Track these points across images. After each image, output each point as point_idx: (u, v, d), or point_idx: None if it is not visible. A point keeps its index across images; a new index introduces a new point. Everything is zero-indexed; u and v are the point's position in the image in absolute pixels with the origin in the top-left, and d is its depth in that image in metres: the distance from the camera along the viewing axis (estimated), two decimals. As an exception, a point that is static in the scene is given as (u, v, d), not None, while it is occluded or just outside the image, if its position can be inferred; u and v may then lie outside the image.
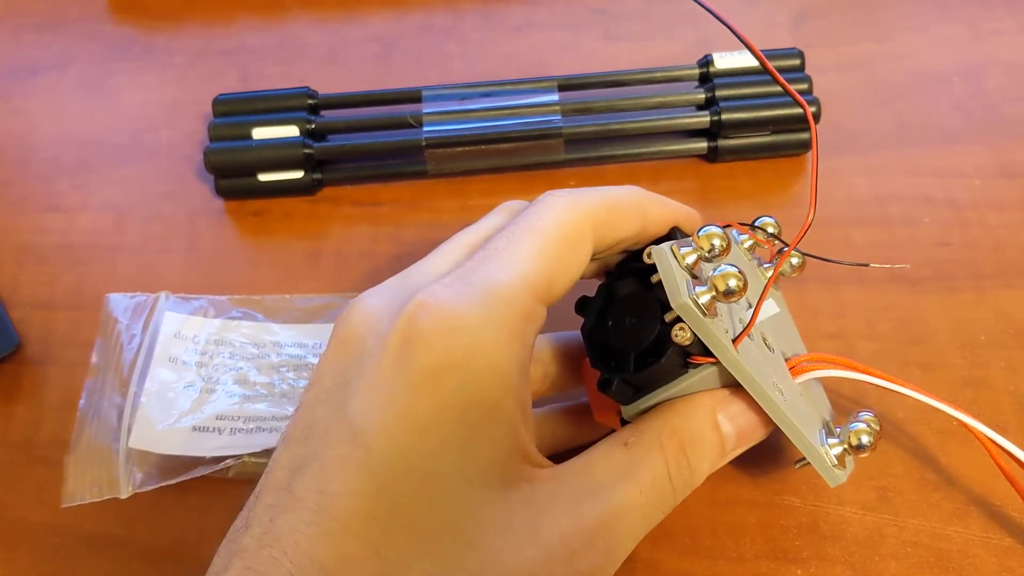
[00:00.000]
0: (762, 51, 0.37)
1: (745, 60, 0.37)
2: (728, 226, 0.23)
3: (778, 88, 0.36)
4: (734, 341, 0.22)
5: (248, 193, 0.36)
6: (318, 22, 0.42)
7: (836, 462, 0.23)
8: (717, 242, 0.21)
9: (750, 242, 0.26)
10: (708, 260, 0.22)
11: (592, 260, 0.24)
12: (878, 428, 0.24)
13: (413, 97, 0.37)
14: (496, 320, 0.20)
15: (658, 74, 0.37)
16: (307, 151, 0.36)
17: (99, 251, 0.36)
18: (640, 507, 0.21)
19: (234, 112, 0.37)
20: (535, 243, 0.21)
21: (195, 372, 0.31)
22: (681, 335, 0.21)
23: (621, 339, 0.23)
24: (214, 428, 0.30)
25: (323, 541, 0.18)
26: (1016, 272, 0.32)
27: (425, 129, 0.35)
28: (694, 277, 0.22)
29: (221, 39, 0.42)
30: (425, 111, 0.36)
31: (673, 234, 0.24)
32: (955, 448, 0.29)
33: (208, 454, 0.29)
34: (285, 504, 0.19)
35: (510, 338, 0.20)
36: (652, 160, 0.37)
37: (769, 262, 0.27)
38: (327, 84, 0.38)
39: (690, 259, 0.22)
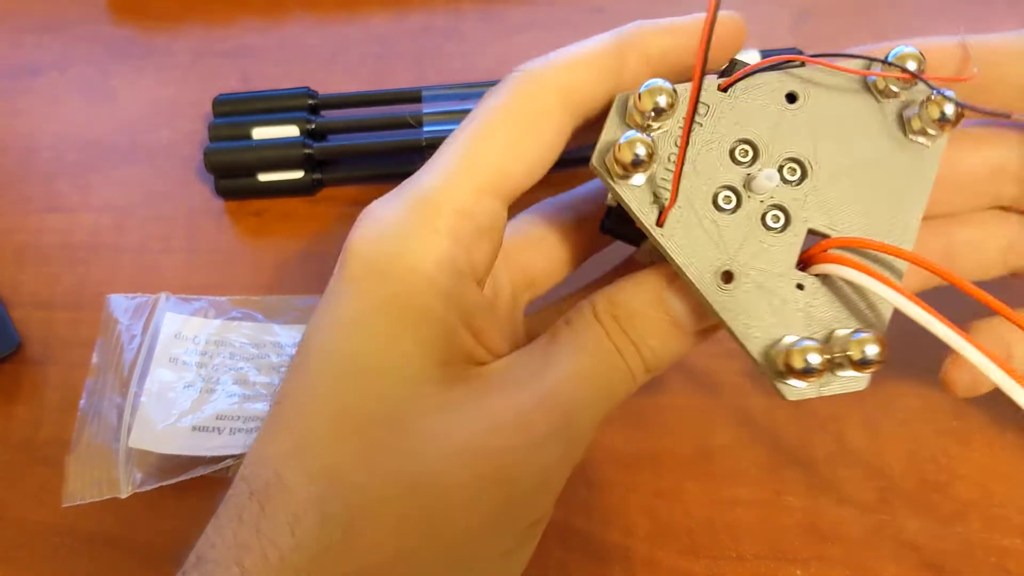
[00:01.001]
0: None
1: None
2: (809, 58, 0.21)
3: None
4: (661, 216, 0.20)
5: (248, 193, 0.36)
6: (318, 22, 0.42)
7: (783, 371, 0.20)
8: (662, 100, 0.19)
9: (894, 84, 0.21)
10: (653, 120, 0.20)
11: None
12: (840, 352, 0.19)
13: (413, 97, 0.37)
14: (418, 220, 0.20)
15: (658, 74, 0.37)
16: (307, 151, 0.36)
17: (99, 251, 0.36)
18: (591, 372, 0.20)
19: (234, 112, 0.37)
20: (472, 134, 0.20)
21: (195, 372, 0.31)
22: (608, 197, 0.21)
23: None
24: (214, 428, 0.30)
25: (267, 442, 0.20)
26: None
27: (425, 129, 0.35)
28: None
29: (221, 39, 0.42)
30: (425, 111, 0.36)
31: (732, 67, 0.22)
32: (955, 448, 0.29)
33: (208, 453, 0.29)
34: (264, 421, 0.20)
35: (435, 237, 0.20)
36: (652, 160, 0.37)
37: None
38: (327, 84, 0.38)
39: (640, 113, 0.20)
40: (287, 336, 0.32)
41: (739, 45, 0.22)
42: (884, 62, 0.21)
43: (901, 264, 0.21)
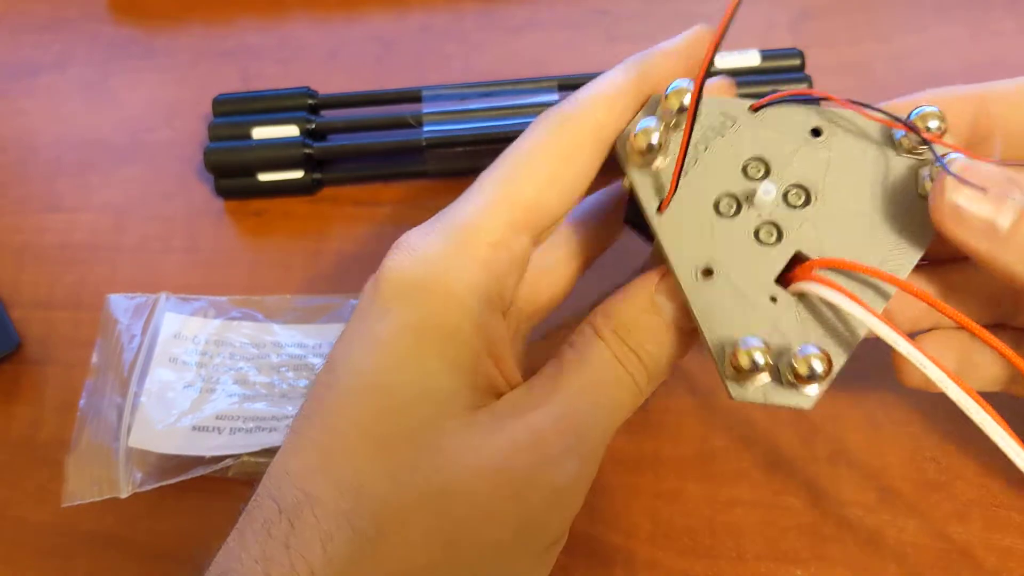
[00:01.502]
0: (761, 51, 0.37)
1: (745, 60, 0.37)
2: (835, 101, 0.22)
3: (777, 88, 0.36)
4: (663, 203, 0.22)
5: (248, 193, 0.36)
6: (318, 22, 0.42)
7: (733, 373, 0.21)
8: (687, 100, 0.21)
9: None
10: (678, 116, 0.21)
11: None
12: (788, 365, 0.20)
13: (413, 97, 0.37)
14: (454, 249, 0.20)
15: (658, 74, 0.37)
16: (307, 151, 0.36)
17: (99, 251, 0.36)
18: (597, 387, 0.21)
19: (234, 112, 0.37)
20: (511, 169, 0.22)
21: (195, 372, 0.31)
22: (624, 179, 0.22)
23: None
24: (214, 428, 0.30)
25: (294, 457, 0.20)
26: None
27: (425, 129, 0.35)
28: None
29: (221, 39, 0.42)
30: (425, 111, 0.36)
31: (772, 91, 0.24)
32: (955, 448, 0.29)
33: (208, 453, 0.29)
34: (288, 435, 0.21)
35: (470, 264, 0.20)
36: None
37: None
38: (327, 84, 0.38)
39: (667, 111, 0.21)
40: (287, 336, 0.32)
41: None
42: (905, 123, 0.22)
43: (888, 290, 0.21)
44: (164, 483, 0.29)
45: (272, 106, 0.37)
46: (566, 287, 0.26)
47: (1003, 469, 0.28)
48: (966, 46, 0.39)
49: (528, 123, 0.35)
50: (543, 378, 0.21)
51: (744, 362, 0.20)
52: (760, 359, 0.20)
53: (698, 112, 0.21)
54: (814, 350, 0.20)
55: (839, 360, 0.21)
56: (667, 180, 0.22)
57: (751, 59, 0.37)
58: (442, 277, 0.20)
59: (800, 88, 0.23)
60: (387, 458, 0.19)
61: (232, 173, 0.36)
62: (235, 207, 0.37)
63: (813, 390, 0.20)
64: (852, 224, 0.22)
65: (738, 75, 0.36)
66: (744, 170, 0.22)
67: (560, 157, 0.22)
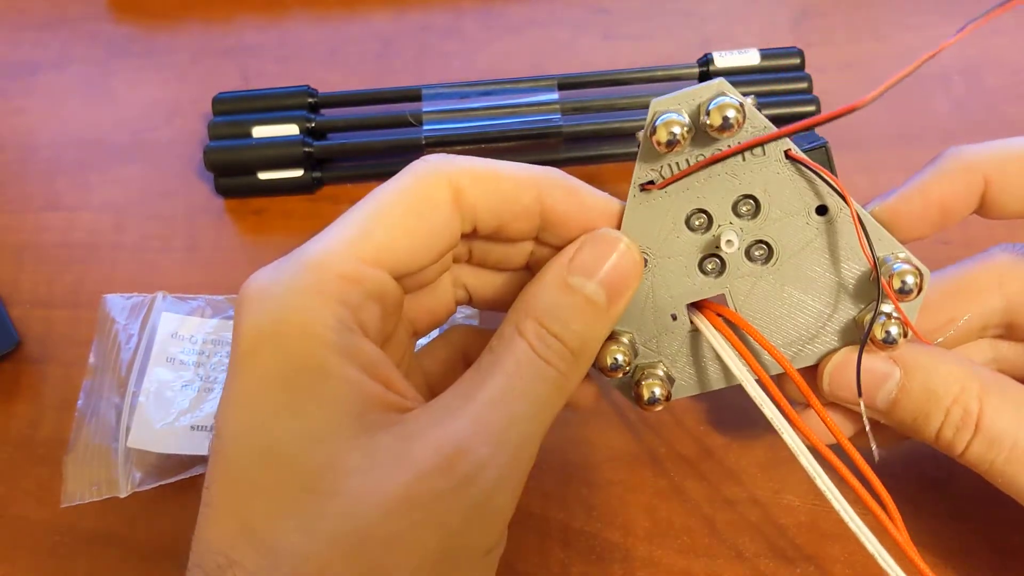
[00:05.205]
0: (761, 50, 0.37)
1: (745, 59, 0.37)
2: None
3: (778, 87, 0.36)
4: (649, 184, 0.22)
5: (248, 192, 0.36)
6: (318, 20, 0.42)
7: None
8: (732, 114, 0.21)
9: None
10: (720, 129, 0.21)
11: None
12: (635, 380, 0.23)
13: (413, 96, 0.37)
14: (304, 284, 0.20)
15: (658, 73, 0.37)
16: (307, 149, 0.36)
17: (99, 250, 0.36)
18: (515, 391, 0.20)
19: (234, 111, 0.37)
20: (365, 209, 0.22)
21: (193, 371, 0.31)
22: (639, 133, 0.23)
23: None
24: (212, 427, 0.30)
25: (210, 530, 0.20)
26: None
27: (425, 128, 0.35)
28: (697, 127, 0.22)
29: (221, 37, 0.42)
30: (425, 110, 0.36)
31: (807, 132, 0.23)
32: (954, 447, 0.29)
33: (206, 452, 0.29)
34: (201, 508, 0.21)
35: (323, 299, 0.20)
36: (652, 159, 0.37)
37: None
38: (327, 82, 0.38)
39: (707, 107, 0.21)
40: (286, 335, 0.32)
41: None
42: (876, 271, 0.22)
43: (773, 368, 0.24)
44: (163, 482, 0.29)
45: (272, 105, 0.37)
46: (448, 308, 0.26)
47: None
48: (966, 44, 0.39)
49: (527, 122, 0.35)
50: (460, 386, 0.21)
51: (606, 362, 0.23)
52: (621, 360, 0.23)
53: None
54: (655, 379, 0.23)
55: (682, 394, 0.24)
56: (665, 168, 0.22)
57: (751, 58, 0.37)
58: (296, 316, 0.20)
59: (835, 178, 0.23)
60: (295, 512, 0.19)
61: (232, 172, 0.36)
62: (235, 206, 0.37)
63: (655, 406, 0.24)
64: (790, 306, 0.23)
65: (738, 74, 0.36)
66: (735, 204, 0.23)
67: (416, 202, 0.22)
